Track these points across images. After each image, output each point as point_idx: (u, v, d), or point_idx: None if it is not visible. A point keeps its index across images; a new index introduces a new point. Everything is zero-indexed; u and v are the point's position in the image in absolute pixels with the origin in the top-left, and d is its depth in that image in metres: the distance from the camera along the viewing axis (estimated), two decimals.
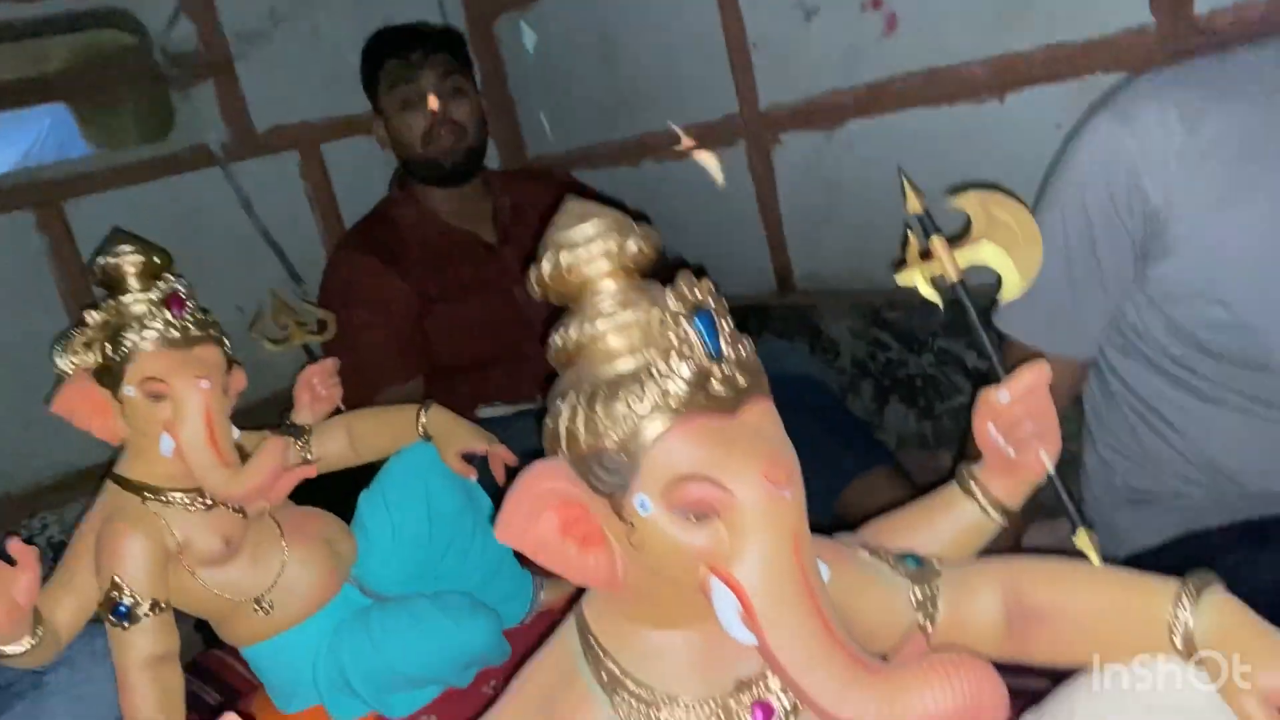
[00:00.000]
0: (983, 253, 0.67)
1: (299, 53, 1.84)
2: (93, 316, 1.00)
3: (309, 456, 1.13)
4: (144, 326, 0.97)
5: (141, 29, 1.69)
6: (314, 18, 1.86)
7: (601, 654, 0.55)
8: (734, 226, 1.79)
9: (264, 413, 1.08)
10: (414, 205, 1.71)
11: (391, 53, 1.66)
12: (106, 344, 0.98)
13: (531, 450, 1.18)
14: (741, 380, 0.52)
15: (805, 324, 1.71)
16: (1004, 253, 0.66)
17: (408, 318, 1.64)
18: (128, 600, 0.95)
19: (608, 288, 0.54)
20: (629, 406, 0.50)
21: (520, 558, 1.26)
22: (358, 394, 1.27)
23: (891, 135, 1.53)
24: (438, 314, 1.65)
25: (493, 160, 2.11)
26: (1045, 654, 0.58)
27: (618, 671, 0.54)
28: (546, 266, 0.55)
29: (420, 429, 1.19)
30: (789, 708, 0.54)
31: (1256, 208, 0.89)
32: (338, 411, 1.21)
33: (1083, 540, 0.65)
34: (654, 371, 0.51)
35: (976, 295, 0.68)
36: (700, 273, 0.54)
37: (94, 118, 2.07)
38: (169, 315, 0.98)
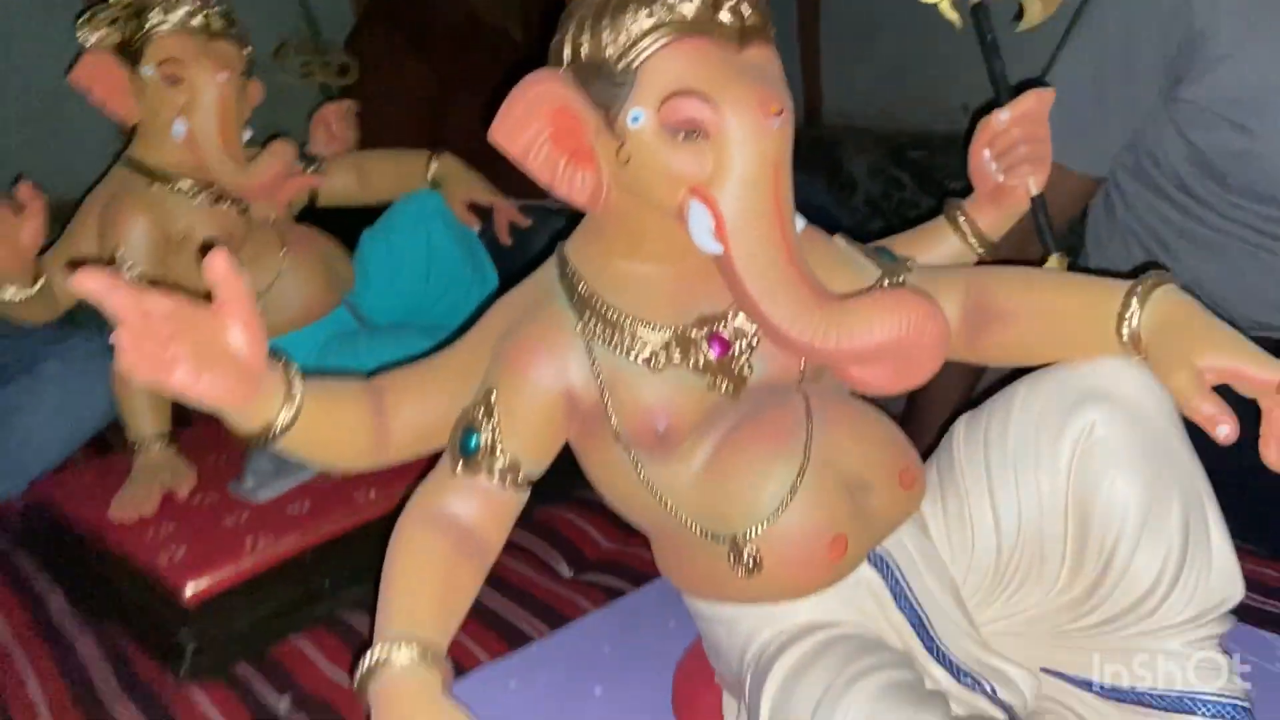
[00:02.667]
0: None
1: None
2: None
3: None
4: (168, 10, 0.98)
5: None
6: None
7: (576, 278, 0.57)
8: None
9: None
10: None
11: None
12: (130, 22, 0.99)
13: (539, 239, 1.21)
14: (750, 17, 0.53)
15: (826, 158, 1.70)
16: None
17: (424, 98, 1.63)
18: (129, 274, 0.98)
19: None
20: (636, 19, 0.51)
21: None
22: None
23: None
24: (456, 101, 1.64)
25: None
26: (999, 351, 0.60)
27: (588, 293, 0.57)
28: None
29: (430, 175, 1.20)
30: (745, 347, 0.56)
31: None
32: None
33: (1055, 263, 0.67)
34: None
35: None
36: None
37: None
38: (192, 4, 0.99)
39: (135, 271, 0.98)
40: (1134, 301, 0.54)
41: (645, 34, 0.51)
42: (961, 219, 0.70)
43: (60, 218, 1.01)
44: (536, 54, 1.65)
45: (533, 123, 0.53)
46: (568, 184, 0.54)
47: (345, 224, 1.24)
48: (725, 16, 0.52)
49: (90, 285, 0.46)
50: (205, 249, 0.52)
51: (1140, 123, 0.99)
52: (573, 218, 0.60)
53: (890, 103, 1.65)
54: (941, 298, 0.60)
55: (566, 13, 0.55)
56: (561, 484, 0.63)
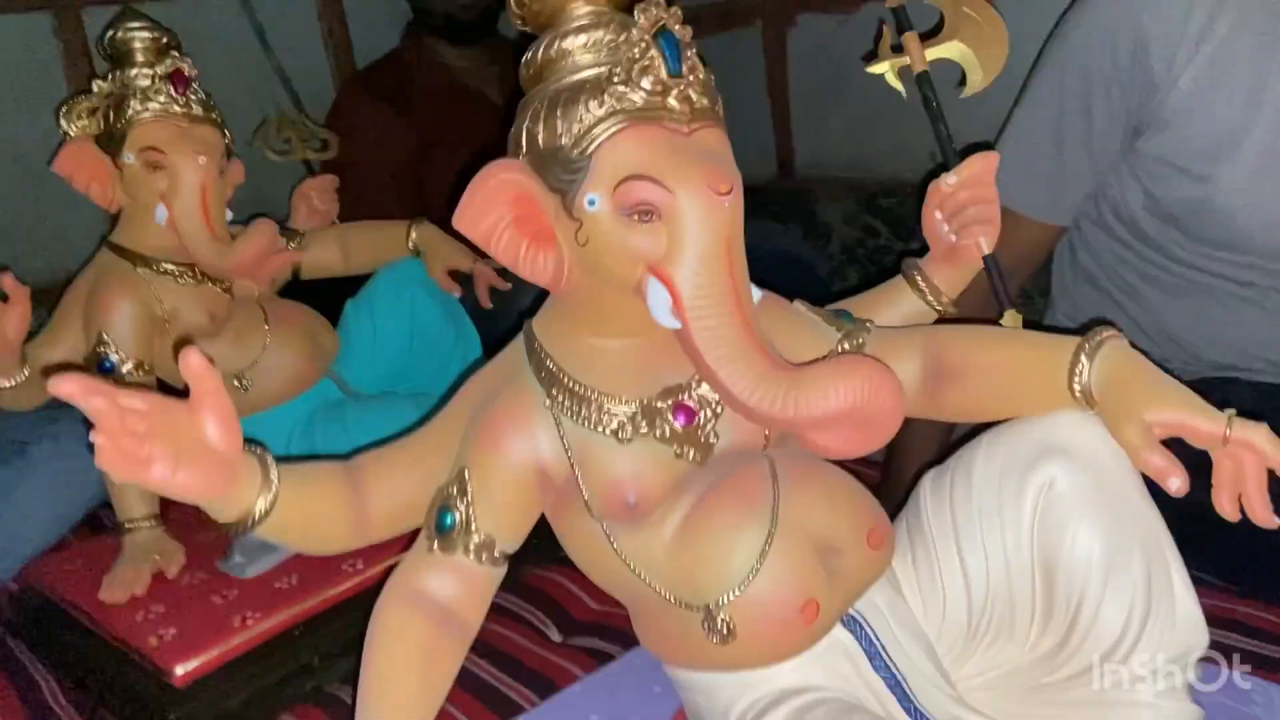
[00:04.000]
0: (950, 49, 0.70)
1: None
2: (99, 85, 1.03)
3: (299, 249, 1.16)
4: (147, 98, 1.01)
5: None
6: None
7: (544, 355, 0.59)
8: (742, 109, 1.80)
9: None
10: (424, 56, 1.72)
11: None
12: (110, 111, 1.02)
13: (521, 302, 1.23)
14: (698, 102, 0.55)
15: (801, 208, 1.73)
16: (970, 51, 0.69)
17: (406, 162, 1.66)
18: (114, 356, 0.99)
19: (580, 10, 0.57)
20: (588, 109, 0.54)
21: None
22: None
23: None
24: (436, 162, 1.67)
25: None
26: (958, 408, 0.62)
27: (556, 369, 0.58)
28: None
29: (410, 244, 1.22)
30: (709, 415, 0.58)
31: (1247, 92, 0.91)
32: None
33: (1010, 320, 0.68)
34: (615, 79, 0.54)
35: None
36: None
37: None
38: (172, 90, 1.01)
39: (120, 355, 0.99)
40: (1083, 357, 0.56)
41: (598, 122, 0.53)
42: (919, 278, 0.72)
43: (49, 299, 1.03)
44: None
45: (494, 210, 0.55)
46: (530, 266, 0.56)
47: (328, 295, 1.26)
48: (674, 102, 0.54)
49: (66, 389, 0.48)
50: (179, 346, 0.53)
51: (1101, 171, 1.01)
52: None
53: (860, 153, 1.68)
54: (901, 357, 0.61)
55: (522, 103, 0.58)
56: (548, 545, 0.64)
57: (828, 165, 1.74)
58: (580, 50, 0.56)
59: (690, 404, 0.57)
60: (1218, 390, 0.94)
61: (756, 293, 0.57)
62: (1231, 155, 0.92)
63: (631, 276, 0.54)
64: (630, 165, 0.53)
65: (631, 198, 0.53)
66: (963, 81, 0.71)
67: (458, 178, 1.71)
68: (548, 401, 0.58)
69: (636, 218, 0.53)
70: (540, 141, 0.55)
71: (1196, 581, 0.57)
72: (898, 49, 0.72)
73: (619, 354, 0.58)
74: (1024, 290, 1.15)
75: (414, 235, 1.22)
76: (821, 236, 1.72)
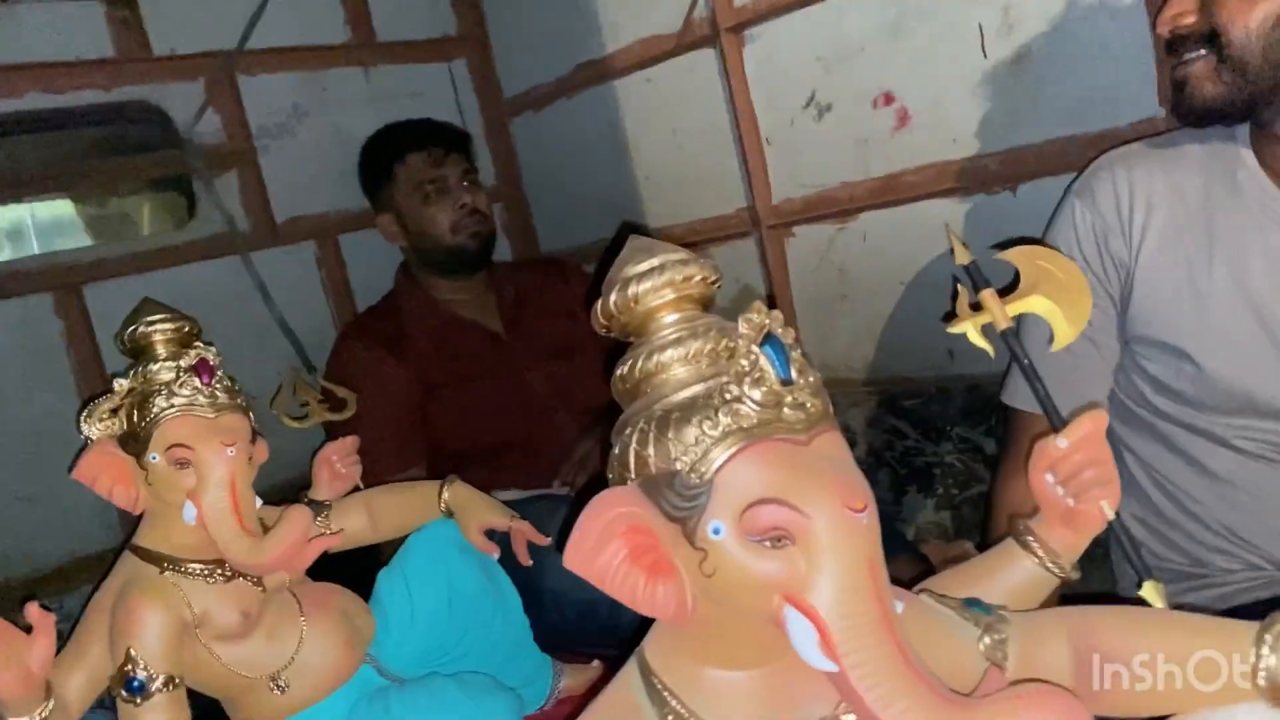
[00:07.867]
0: (1032, 304, 0.68)
1: (320, 146, 1.88)
2: (120, 384, 0.99)
3: (331, 529, 1.11)
4: (172, 393, 0.97)
5: (167, 121, 1.74)
6: (334, 113, 1.91)
7: (667, 695, 0.53)
8: None
9: (274, 500, 1.07)
10: (419, 295, 1.73)
11: (413, 146, 1.70)
12: (133, 410, 0.98)
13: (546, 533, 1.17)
14: (813, 408, 0.52)
15: None
16: (1053, 303, 0.67)
17: (408, 406, 1.63)
18: (142, 674, 0.92)
19: (671, 318, 0.55)
20: (702, 429, 0.50)
21: (540, 641, 1.23)
22: None
23: (904, 226, 1.56)
24: (444, 400, 1.64)
25: (506, 255, 2.14)
26: (1120, 702, 0.56)
27: (684, 713, 0.52)
28: (612, 299, 0.55)
29: (442, 505, 1.17)
30: None
31: (1194, 265, 0.95)
32: (355, 490, 1.20)
33: (1150, 592, 0.63)
34: (726, 395, 0.50)
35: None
36: (771, 303, 0.54)
37: (115, 207, 2.10)
38: (197, 382, 0.98)
39: (150, 672, 0.91)
40: (1265, 649, 0.51)
41: (715, 444, 0.50)
42: (1033, 541, 0.67)
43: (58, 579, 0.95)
44: (513, 343, 1.65)
45: (608, 545, 0.51)
46: (649, 601, 0.51)
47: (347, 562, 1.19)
48: (789, 412, 0.51)
49: None
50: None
51: (1111, 365, 1.04)
52: None
53: (873, 353, 1.68)
54: (1048, 646, 0.57)
55: (623, 421, 0.54)
56: None
57: (840, 368, 1.73)
58: (679, 363, 0.53)
59: None
60: None
61: (898, 605, 0.52)
62: (1201, 321, 0.94)
63: (766, 606, 0.50)
64: (755, 488, 0.49)
65: (761, 523, 0.49)
66: (1050, 338, 0.68)
67: (462, 409, 1.66)
68: None
69: (768, 544, 0.49)
70: (652, 466, 0.51)
71: None
72: (975, 307, 0.70)
73: (753, 687, 0.53)
74: None
75: (446, 495, 1.17)
76: (848, 442, 1.69)
